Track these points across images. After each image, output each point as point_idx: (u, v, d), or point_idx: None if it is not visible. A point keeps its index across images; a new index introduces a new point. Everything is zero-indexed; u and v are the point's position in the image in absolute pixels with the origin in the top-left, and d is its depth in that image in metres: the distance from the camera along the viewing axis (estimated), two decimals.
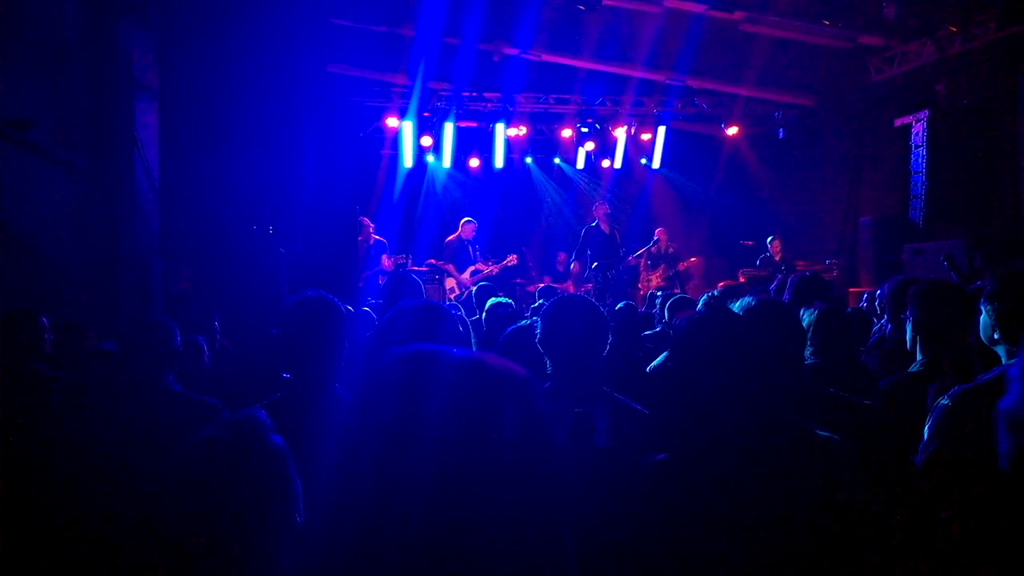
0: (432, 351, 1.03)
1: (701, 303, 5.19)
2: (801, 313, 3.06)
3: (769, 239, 11.36)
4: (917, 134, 10.38)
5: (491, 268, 11.45)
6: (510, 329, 3.12)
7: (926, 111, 10.22)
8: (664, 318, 5.42)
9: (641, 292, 11.35)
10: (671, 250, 12.04)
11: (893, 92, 11.16)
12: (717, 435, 1.76)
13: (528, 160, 14.77)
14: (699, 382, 1.82)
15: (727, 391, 1.77)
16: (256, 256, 8.16)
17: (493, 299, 5.17)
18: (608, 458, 2.26)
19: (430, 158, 13.85)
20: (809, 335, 3.01)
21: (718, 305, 4.00)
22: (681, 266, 11.89)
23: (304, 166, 10.33)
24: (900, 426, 2.54)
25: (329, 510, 0.99)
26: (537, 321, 2.59)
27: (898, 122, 10.96)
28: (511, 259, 11.59)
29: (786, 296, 3.98)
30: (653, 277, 11.94)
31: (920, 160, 10.24)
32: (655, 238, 12.04)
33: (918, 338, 2.92)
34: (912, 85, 10.74)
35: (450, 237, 11.65)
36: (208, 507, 1.39)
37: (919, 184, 10.28)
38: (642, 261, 12.06)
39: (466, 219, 11.66)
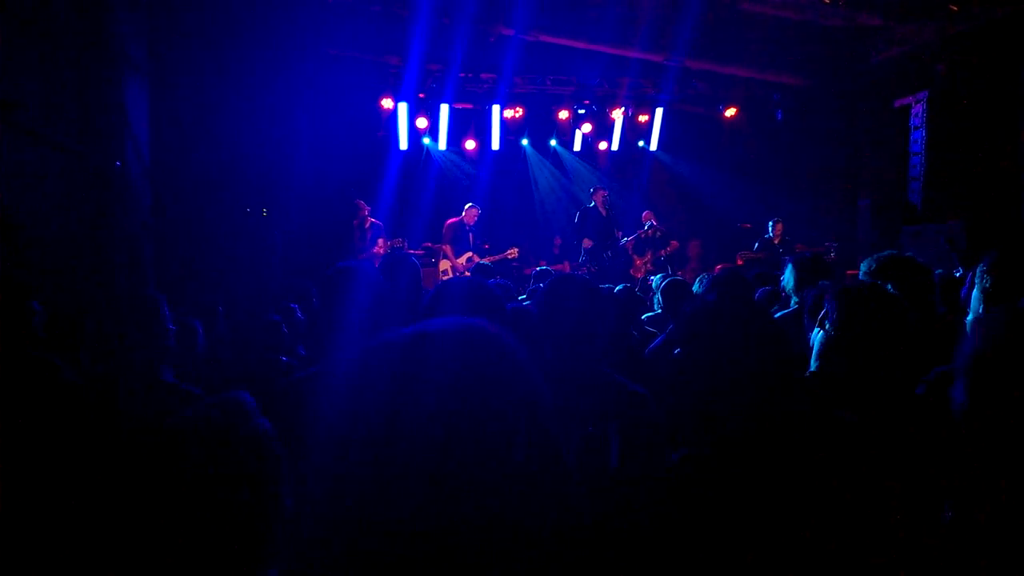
0: (431, 331, 0.98)
1: (696, 285, 5.15)
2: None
3: (771, 222, 11.31)
4: (916, 115, 10.34)
5: (487, 260, 11.35)
6: (507, 307, 3.06)
7: (926, 92, 10.17)
8: (661, 301, 5.35)
9: (635, 276, 11.27)
10: (658, 234, 11.89)
11: (892, 73, 11.07)
12: (729, 429, 1.68)
13: (524, 142, 14.66)
14: (708, 371, 1.74)
15: (735, 381, 1.68)
16: (250, 238, 8.09)
17: (491, 280, 5.11)
18: (621, 477, 2.14)
19: (426, 140, 13.75)
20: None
21: (732, 290, 3.90)
22: (662, 253, 11.71)
23: (298, 147, 10.23)
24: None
25: (323, 494, 0.95)
26: (532, 303, 2.53)
27: (897, 103, 10.91)
28: (512, 252, 11.47)
29: (790, 277, 3.92)
30: (640, 262, 11.81)
31: (919, 142, 10.21)
32: (644, 222, 11.88)
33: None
34: (912, 66, 10.64)
35: (452, 220, 11.55)
36: (190, 490, 1.35)
37: (918, 166, 10.25)
38: (629, 245, 11.91)
39: (470, 204, 11.55)
